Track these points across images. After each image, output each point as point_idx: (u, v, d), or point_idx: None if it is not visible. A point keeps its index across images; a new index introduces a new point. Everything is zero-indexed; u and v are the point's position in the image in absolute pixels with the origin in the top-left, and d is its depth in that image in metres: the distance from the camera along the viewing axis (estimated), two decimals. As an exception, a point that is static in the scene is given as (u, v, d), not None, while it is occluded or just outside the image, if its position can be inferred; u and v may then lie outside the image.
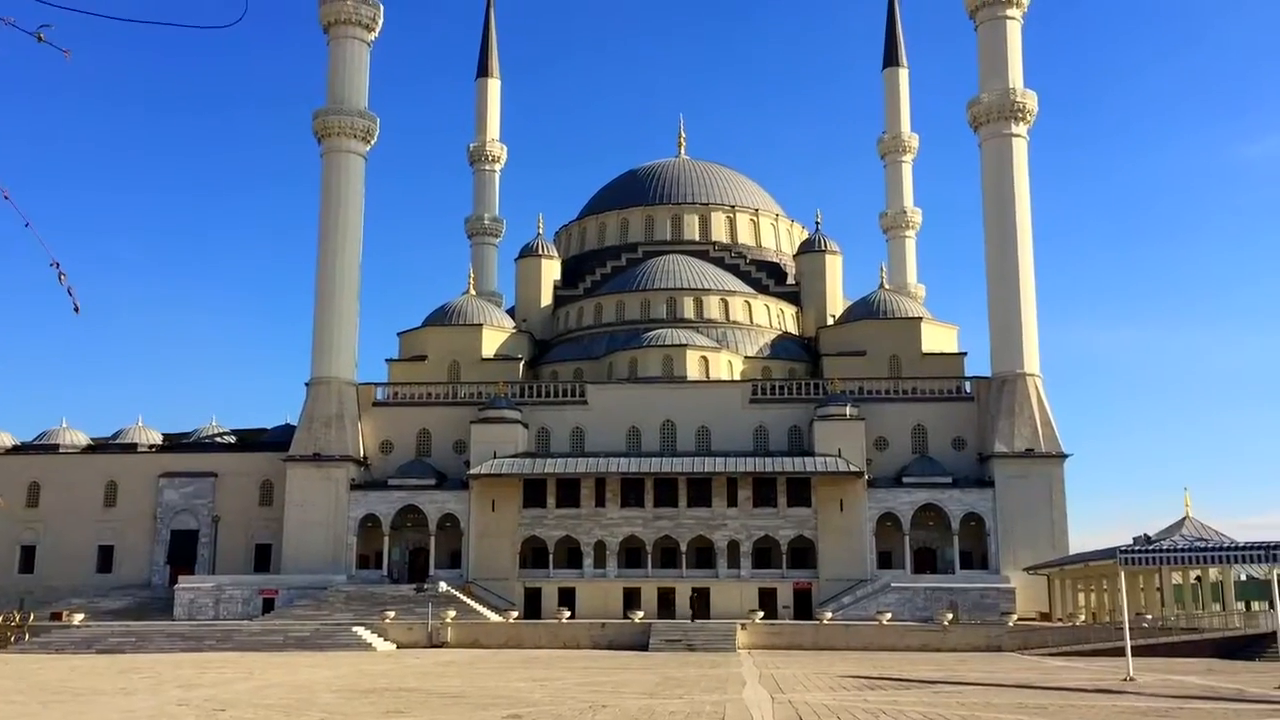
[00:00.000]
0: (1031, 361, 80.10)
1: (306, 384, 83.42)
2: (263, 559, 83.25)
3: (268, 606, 74.09)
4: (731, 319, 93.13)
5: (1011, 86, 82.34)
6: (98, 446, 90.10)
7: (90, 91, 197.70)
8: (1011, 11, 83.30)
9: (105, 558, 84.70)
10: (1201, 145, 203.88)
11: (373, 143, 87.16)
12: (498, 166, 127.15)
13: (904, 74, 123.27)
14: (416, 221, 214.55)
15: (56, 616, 68.30)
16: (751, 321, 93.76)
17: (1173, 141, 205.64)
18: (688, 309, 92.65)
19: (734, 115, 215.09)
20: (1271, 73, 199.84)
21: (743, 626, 63.34)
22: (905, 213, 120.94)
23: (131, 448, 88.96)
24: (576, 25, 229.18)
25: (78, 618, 67.01)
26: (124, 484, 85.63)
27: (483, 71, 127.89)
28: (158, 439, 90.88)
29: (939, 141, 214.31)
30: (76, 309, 13.50)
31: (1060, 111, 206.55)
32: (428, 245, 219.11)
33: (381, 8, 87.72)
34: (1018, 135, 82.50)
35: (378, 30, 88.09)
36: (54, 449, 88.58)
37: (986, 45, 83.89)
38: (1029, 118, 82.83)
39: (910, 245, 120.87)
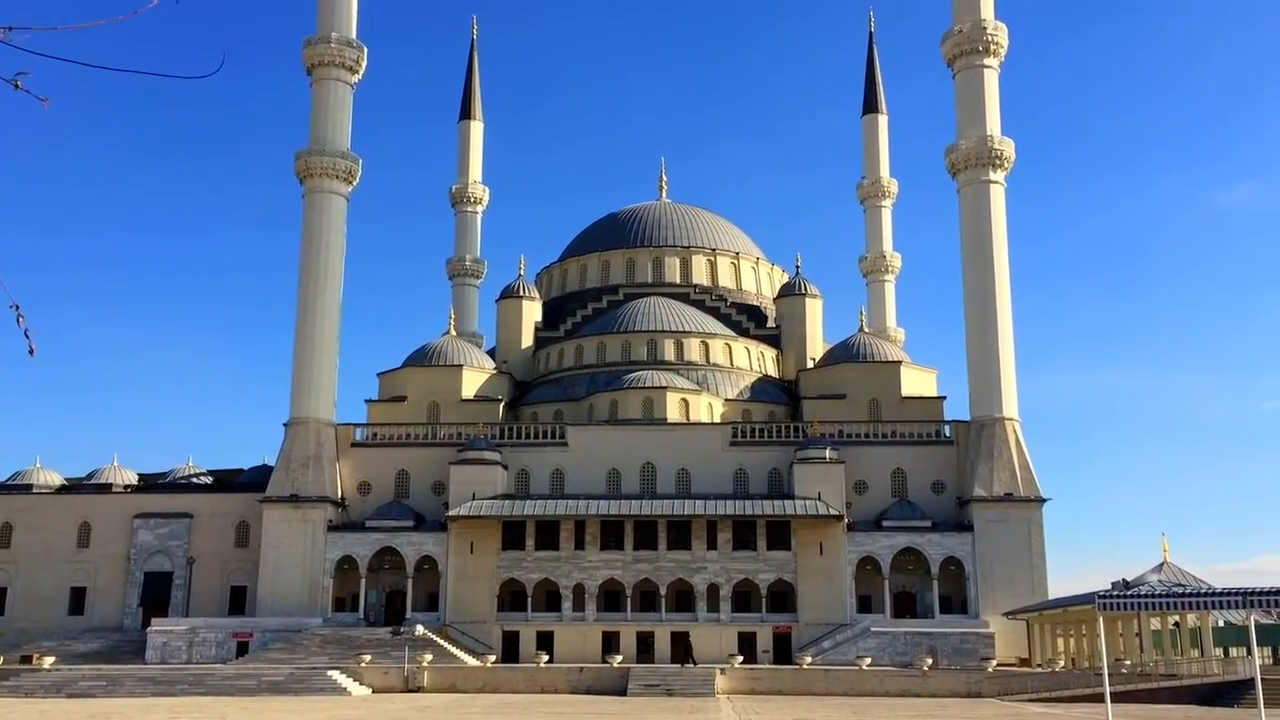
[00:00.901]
0: (1010, 406, 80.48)
1: (285, 424, 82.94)
2: (238, 601, 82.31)
3: (242, 650, 73.18)
4: (712, 361, 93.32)
5: (989, 134, 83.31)
6: (72, 486, 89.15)
7: (67, 135, 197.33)
8: (988, 60, 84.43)
9: (78, 600, 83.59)
10: (1178, 191, 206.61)
11: (355, 183, 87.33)
12: (480, 208, 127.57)
13: (883, 120, 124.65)
14: (398, 262, 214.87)
15: (27, 660, 67.31)
16: (732, 364, 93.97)
17: (1150, 187, 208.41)
18: (668, 351, 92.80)
19: (715, 159, 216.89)
20: (1244, 120, 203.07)
21: (722, 671, 62.93)
22: (885, 257, 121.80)
23: (106, 488, 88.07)
24: (559, 69, 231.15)
25: (48, 661, 65.98)
26: (98, 525, 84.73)
27: (465, 114, 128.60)
28: (133, 479, 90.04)
29: (918, 186, 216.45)
30: (32, 351, 13.44)
31: (1038, 157, 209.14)
32: (409, 286, 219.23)
33: (365, 50, 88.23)
34: (995, 182, 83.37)
35: (361, 72, 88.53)
36: (27, 489, 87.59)
37: (964, 93, 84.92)
38: (1007, 165, 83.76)
39: (890, 289, 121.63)
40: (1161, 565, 59.77)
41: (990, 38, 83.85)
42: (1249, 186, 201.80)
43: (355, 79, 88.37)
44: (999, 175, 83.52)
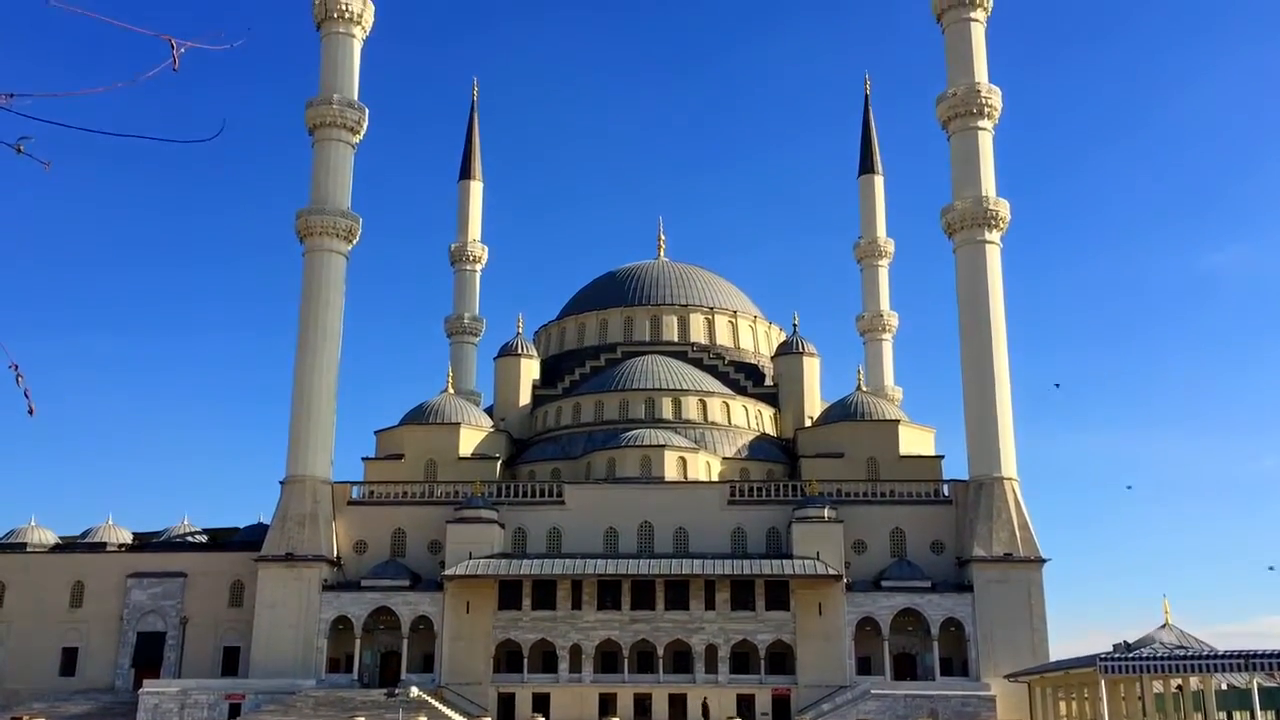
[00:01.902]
0: (1008, 465, 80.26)
1: (281, 482, 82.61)
2: (231, 662, 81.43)
3: (234, 712, 72.25)
4: (710, 420, 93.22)
5: (984, 194, 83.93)
6: (66, 545, 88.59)
7: (67, 198, 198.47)
8: (983, 123, 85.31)
9: (69, 660, 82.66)
10: (1168, 252, 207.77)
11: (355, 242, 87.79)
12: (478, 266, 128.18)
13: (879, 180, 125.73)
14: (396, 320, 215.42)
15: (15, 722, 66.43)
16: (730, 422, 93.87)
17: (1141, 249, 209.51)
18: (666, 409, 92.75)
19: (713, 219, 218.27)
20: (1233, 182, 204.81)
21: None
22: (882, 316, 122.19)
23: (100, 547, 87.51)
24: (558, 129, 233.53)
25: (37, 723, 65.08)
26: (91, 584, 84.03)
27: (465, 174, 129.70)
28: (127, 538, 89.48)
29: (915, 245, 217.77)
30: (31, 411, 13.49)
31: (1034, 216, 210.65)
32: (407, 343, 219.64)
33: (367, 111, 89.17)
34: (991, 242, 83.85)
35: (362, 133, 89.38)
36: (21, 548, 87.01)
37: (959, 155, 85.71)
38: (1002, 225, 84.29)
39: (887, 348, 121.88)
40: (1164, 627, 59.25)
41: (984, 101, 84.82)
42: (1238, 248, 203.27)
43: (356, 139, 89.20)
44: (994, 235, 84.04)
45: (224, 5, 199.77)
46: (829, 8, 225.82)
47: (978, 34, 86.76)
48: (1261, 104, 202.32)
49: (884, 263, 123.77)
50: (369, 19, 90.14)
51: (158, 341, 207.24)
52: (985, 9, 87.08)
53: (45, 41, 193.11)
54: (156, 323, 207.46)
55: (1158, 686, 65.29)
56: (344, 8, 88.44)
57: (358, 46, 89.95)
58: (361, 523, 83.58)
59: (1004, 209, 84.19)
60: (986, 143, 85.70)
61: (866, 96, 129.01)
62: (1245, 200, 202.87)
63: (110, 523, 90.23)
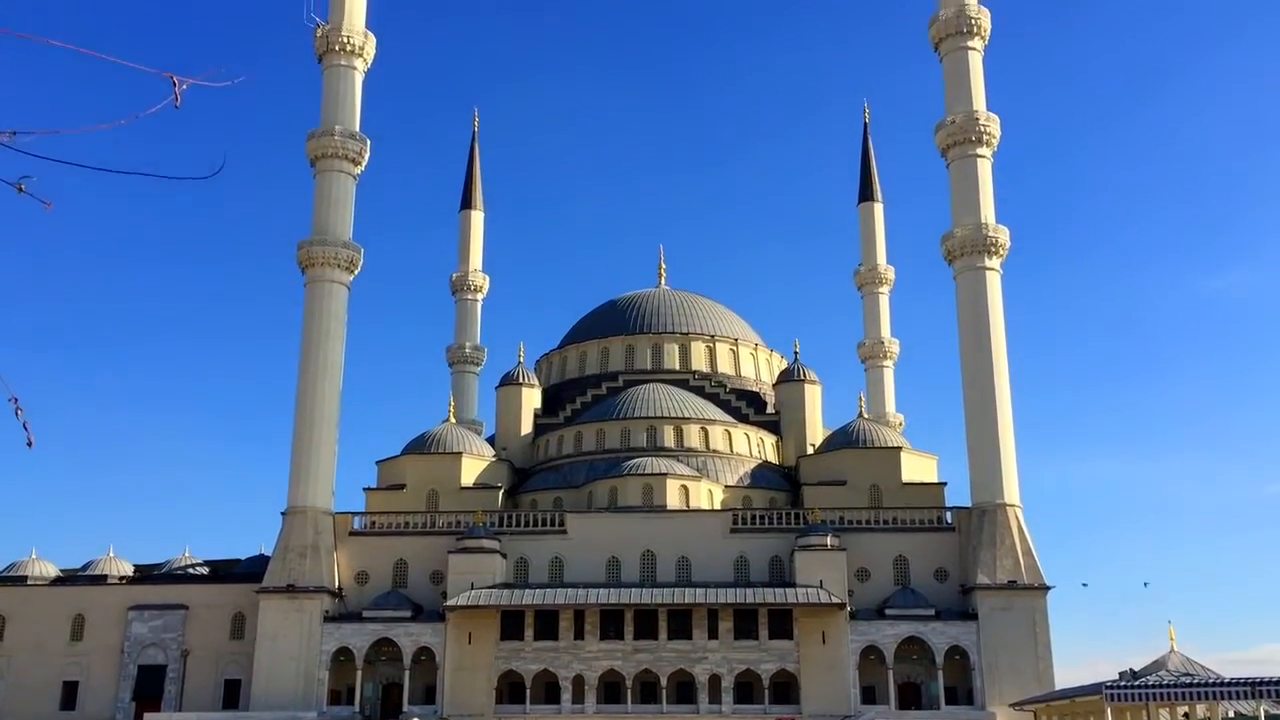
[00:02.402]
0: (1011, 492, 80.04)
1: (283, 513, 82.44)
2: (232, 695, 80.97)
3: (235, 745, 71.77)
4: (712, 448, 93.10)
5: (984, 221, 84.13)
6: (66, 578, 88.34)
7: (67, 233, 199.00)
8: (981, 150, 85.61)
9: (70, 694, 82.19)
10: (1170, 277, 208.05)
11: (356, 272, 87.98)
12: (480, 296, 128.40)
13: (879, 208, 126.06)
14: (397, 349, 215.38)
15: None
16: (732, 450, 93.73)
17: (1143, 273, 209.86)
18: (668, 438, 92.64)
19: (713, 246, 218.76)
20: (1234, 207, 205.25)
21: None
22: (883, 343, 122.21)
23: (101, 579, 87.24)
24: (559, 158, 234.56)
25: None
26: (92, 617, 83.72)
27: (466, 204, 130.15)
28: (128, 570, 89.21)
29: (915, 271, 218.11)
30: (30, 443, 13.55)
31: (1034, 243, 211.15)
32: (408, 373, 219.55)
33: (369, 142, 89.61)
34: (991, 269, 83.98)
35: (364, 164, 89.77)
36: (22, 580, 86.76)
37: (958, 182, 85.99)
38: (1002, 251, 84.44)
39: (889, 375, 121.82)
40: (1170, 654, 58.88)
41: (983, 128, 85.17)
42: (1236, 273, 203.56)
43: (358, 170, 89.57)
44: (995, 262, 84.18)
45: (224, 39, 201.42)
46: (828, 36, 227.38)
47: (975, 62, 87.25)
48: (1262, 129, 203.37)
49: (885, 290, 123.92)
50: (370, 51, 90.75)
51: (159, 373, 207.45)
52: (983, 38, 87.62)
53: (47, 79, 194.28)
54: (158, 355, 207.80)
55: (1164, 714, 64.86)
56: (346, 40, 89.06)
57: (359, 79, 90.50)
58: (363, 553, 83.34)
59: (1004, 236, 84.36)
60: (985, 170, 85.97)
61: (865, 124, 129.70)
62: (1246, 225, 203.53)
63: (111, 555, 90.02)
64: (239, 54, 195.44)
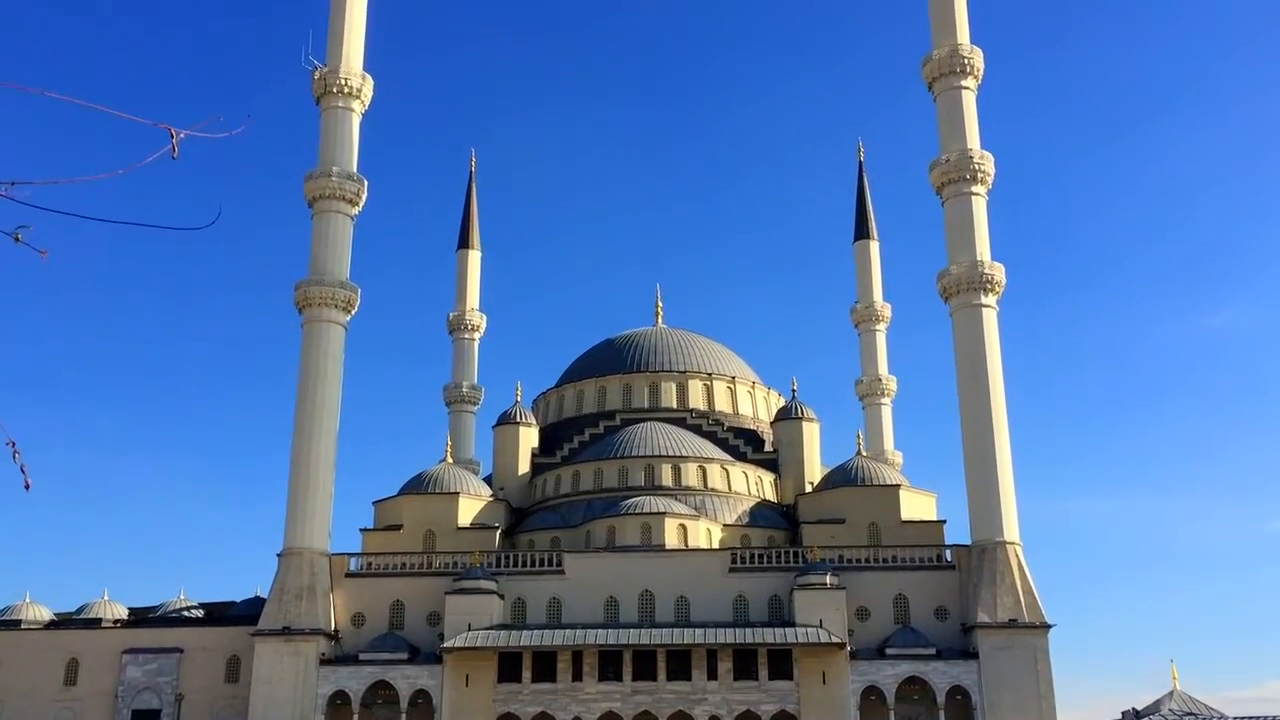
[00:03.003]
0: (1011, 530, 79.72)
1: (279, 555, 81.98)
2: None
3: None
4: (710, 486, 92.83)
5: (979, 259, 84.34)
6: (61, 622, 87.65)
7: (64, 280, 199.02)
8: (976, 188, 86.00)
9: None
10: (1167, 315, 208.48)
11: (354, 312, 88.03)
12: (477, 335, 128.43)
13: (874, 245, 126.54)
14: (394, 389, 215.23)
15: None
16: (730, 489, 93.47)
17: (1139, 311, 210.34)
18: (666, 476, 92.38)
19: (710, 284, 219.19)
20: (1230, 244, 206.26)
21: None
22: (880, 380, 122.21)
23: (95, 623, 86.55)
24: (557, 197, 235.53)
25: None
26: (85, 661, 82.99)
27: (464, 243, 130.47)
28: (123, 613, 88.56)
29: (912, 309, 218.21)
30: (27, 486, 13.52)
31: (1031, 280, 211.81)
32: (406, 412, 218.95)
33: (366, 182, 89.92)
34: (988, 306, 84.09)
35: (361, 204, 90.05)
36: (16, 625, 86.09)
37: (953, 220, 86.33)
38: (998, 289, 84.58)
39: (886, 412, 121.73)
40: (1172, 693, 58.51)
41: (977, 166, 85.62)
42: (1233, 310, 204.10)
43: (355, 211, 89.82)
44: (991, 299, 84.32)
45: (222, 83, 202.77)
46: (822, 73, 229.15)
47: (969, 101, 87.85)
48: (1257, 165, 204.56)
49: (881, 327, 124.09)
50: (368, 93, 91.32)
51: (156, 416, 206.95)
52: (976, 77, 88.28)
53: (46, 129, 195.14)
54: (154, 397, 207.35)
55: (1168, 754, 64.37)
56: (344, 83, 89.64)
57: (356, 120, 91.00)
58: (359, 595, 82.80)
59: (999, 273, 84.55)
60: (980, 208, 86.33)
61: (860, 162, 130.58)
62: (1241, 262, 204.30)
63: (106, 598, 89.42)
64: (234, 96, 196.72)
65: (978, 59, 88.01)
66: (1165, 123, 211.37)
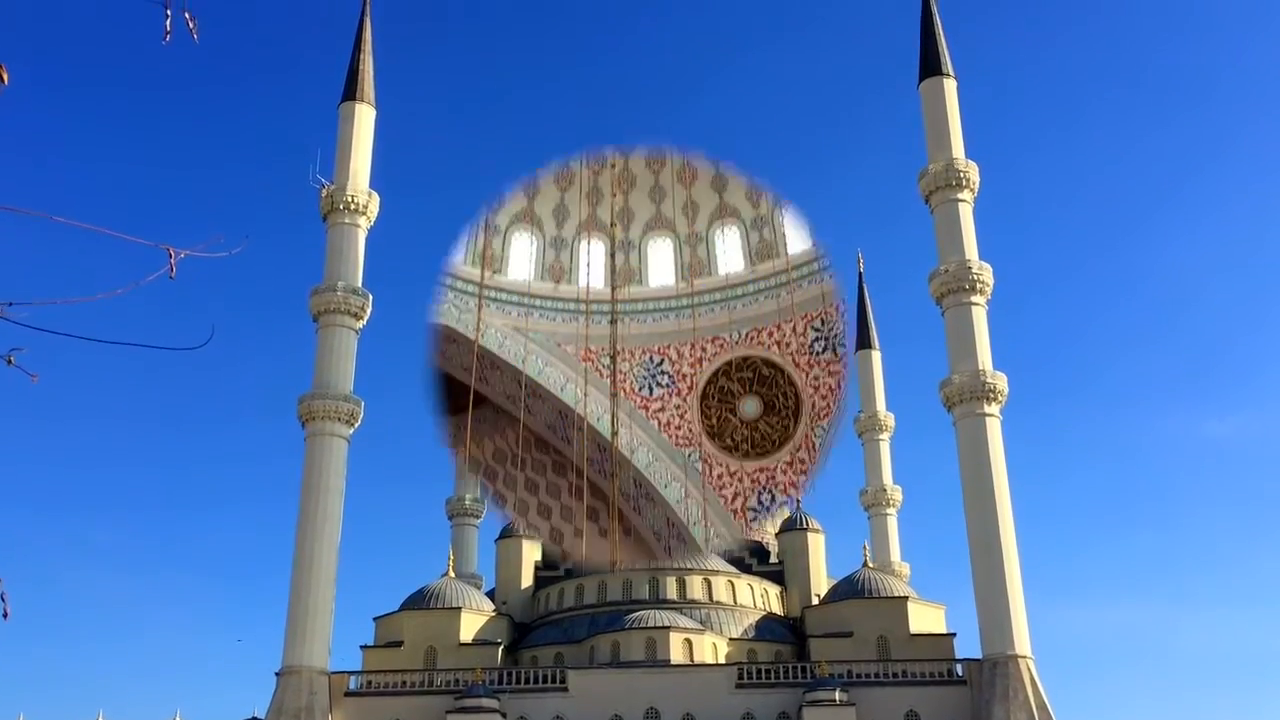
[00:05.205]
0: (1022, 643, 78.20)
1: (277, 674, 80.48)
2: None
3: None
4: (715, 599, 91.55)
5: (981, 369, 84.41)
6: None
7: (59, 401, 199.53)
8: (976, 299, 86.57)
9: None
10: (1172, 424, 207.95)
11: (357, 425, 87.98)
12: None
13: (877, 355, 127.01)
14: (396, 503, 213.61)
15: None
16: (735, 602, 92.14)
17: (1144, 420, 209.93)
18: (670, 589, 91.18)
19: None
20: (1233, 353, 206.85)
21: None
22: (885, 490, 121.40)
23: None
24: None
25: None
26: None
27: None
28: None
29: (915, 418, 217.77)
30: (6, 615, 13.38)
31: (1034, 387, 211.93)
32: (407, 527, 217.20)
33: (370, 297, 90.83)
34: (991, 415, 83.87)
35: (366, 318, 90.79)
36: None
37: (954, 329, 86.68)
38: (1000, 398, 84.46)
39: (892, 523, 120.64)
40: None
41: (975, 277, 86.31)
42: (1239, 417, 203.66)
43: (360, 324, 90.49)
44: (994, 408, 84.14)
45: (224, 201, 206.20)
46: (821, 188, 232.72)
47: (965, 213, 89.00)
48: (1255, 266, 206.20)
49: (885, 436, 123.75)
50: (374, 210, 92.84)
51: (153, 532, 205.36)
52: (972, 190, 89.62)
53: (44, 250, 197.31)
54: (151, 517, 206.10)
55: None
56: (351, 200, 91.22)
57: (362, 235, 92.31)
58: (359, 714, 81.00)
59: (1001, 382, 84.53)
60: (981, 317, 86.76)
61: (860, 273, 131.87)
62: (1247, 370, 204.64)
63: (101, 718, 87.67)
64: (234, 212, 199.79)
65: (973, 172, 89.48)
66: (1162, 221, 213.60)
